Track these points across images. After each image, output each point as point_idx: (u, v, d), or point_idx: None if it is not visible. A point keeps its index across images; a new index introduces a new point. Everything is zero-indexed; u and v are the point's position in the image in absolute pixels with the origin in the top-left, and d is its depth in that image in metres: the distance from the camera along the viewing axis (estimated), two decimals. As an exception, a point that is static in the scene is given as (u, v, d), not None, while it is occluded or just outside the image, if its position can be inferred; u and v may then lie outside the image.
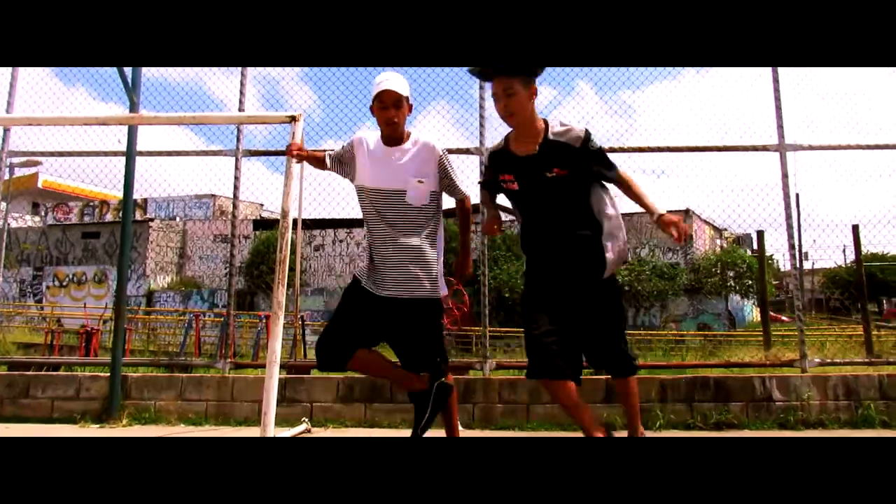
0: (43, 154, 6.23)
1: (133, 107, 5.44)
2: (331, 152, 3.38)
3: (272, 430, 4.16)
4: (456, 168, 3.21)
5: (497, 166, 2.93)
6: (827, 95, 6.18)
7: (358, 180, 3.24)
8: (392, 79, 3.09)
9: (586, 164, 2.74)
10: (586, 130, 2.76)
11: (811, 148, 5.66)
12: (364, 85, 6.49)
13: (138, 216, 29.69)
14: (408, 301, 3.07)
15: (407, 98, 3.12)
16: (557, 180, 2.73)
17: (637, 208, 2.89)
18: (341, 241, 27.85)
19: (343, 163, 3.32)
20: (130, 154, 5.48)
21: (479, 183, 3.06)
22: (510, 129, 2.90)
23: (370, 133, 3.27)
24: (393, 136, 3.16)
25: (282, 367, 5.15)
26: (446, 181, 3.18)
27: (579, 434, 2.92)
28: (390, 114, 3.07)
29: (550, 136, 2.76)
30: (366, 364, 3.16)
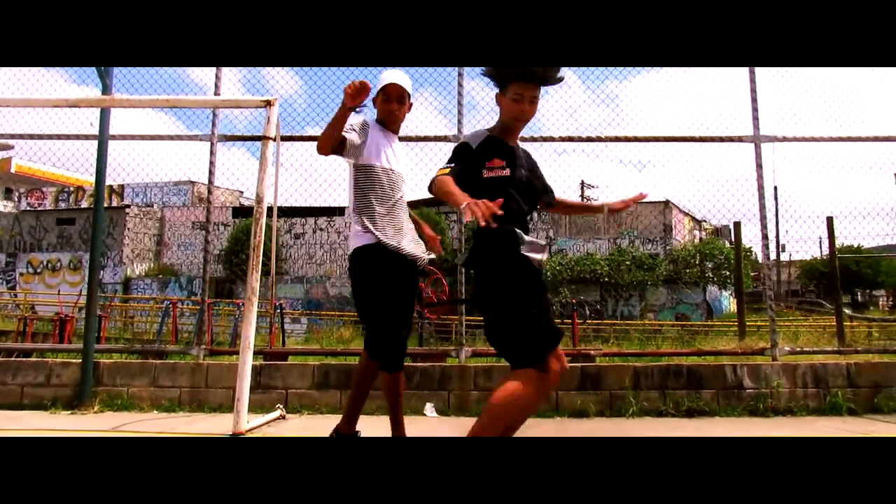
0: (13, 136, 6.09)
1: (105, 89, 5.34)
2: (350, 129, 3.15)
3: (245, 416, 4.15)
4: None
5: (489, 152, 2.79)
6: (809, 88, 6.25)
7: (370, 158, 3.22)
8: (398, 74, 3.22)
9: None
10: None
11: (785, 139, 5.72)
12: (350, 75, 6.40)
13: (115, 203, 29.27)
14: (417, 264, 3.28)
15: (409, 95, 3.28)
16: (527, 177, 2.79)
17: (618, 198, 2.96)
18: (322, 230, 27.66)
19: (357, 140, 3.16)
20: (103, 137, 5.38)
21: (453, 173, 2.67)
22: (495, 123, 2.86)
23: (371, 119, 3.34)
24: (391, 128, 3.32)
25: (258, 353, 5.13)
26: None
27: (554, 418, 2.95)
28: (392, 107, 3.22)
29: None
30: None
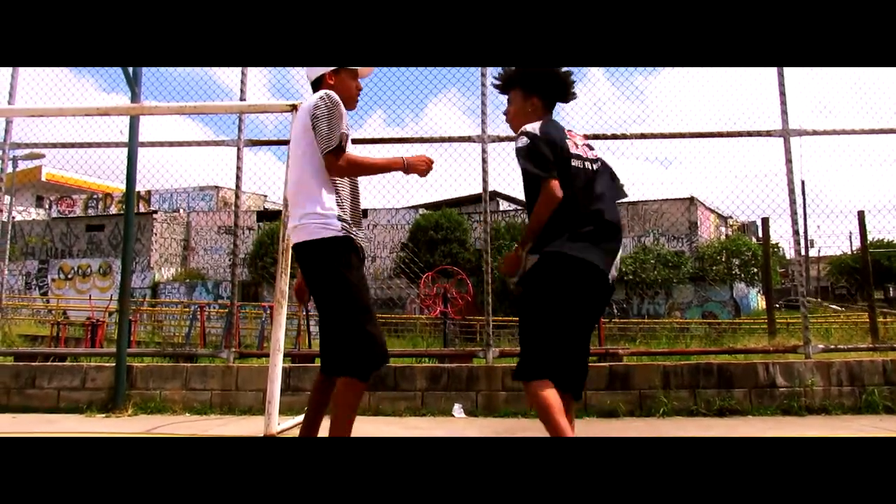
0: (45, 146, 6.23)
1: (134, 97, 5.44)
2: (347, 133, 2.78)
3: (277, 419, 4.18)
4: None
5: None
6: (839, 79, 6.16)
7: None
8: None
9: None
10: (521, 133, 2.57)
11: (815, 133, 5.63)
12: (378, 75, 6.38)
13: (142, 209, 29.72)
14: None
15: None
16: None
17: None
18: (345, 232, 27.74)
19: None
20: (132, 145, 5.48)
21: None
22: None
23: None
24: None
25: (286, 356, 5.17)
26: None
27: (583, 419, 2.92)
28: (358, 86, 2.94)
29: None
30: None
